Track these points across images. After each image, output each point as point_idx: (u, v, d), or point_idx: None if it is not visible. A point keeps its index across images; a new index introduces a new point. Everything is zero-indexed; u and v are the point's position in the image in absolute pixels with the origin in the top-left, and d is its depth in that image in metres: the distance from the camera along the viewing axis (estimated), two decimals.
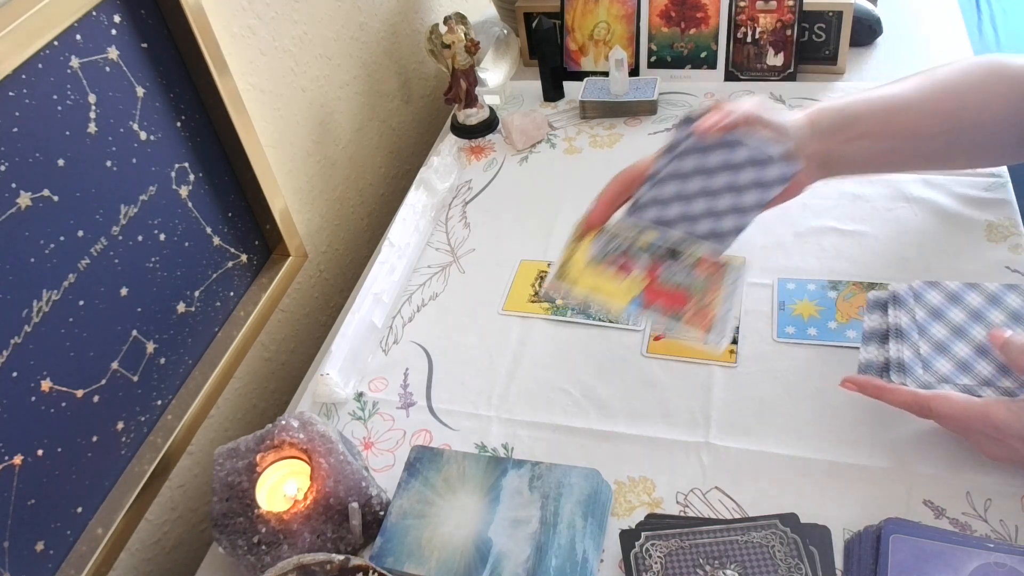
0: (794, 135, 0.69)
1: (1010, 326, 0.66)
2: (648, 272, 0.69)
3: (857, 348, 0.75)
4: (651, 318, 0.68)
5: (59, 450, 0.67)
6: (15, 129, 0.61)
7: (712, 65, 1.12)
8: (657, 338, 0.81)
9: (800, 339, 0.78)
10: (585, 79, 1.14)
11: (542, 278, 0.90)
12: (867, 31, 1.12)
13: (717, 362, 0.78)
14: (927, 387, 0.65)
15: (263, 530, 0.67)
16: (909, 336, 0.67)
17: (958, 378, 0.65)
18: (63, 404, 0.67)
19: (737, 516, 0.66)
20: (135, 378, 0.75)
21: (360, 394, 0.83)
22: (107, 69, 0.69)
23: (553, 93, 1.16)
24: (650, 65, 1.15)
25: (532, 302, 0.88)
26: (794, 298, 0.82)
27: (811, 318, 0.80)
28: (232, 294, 0.88)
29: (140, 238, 0.74)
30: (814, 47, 1.09)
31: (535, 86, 1.17)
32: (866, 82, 1.08)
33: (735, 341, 0.79)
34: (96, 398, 0.71)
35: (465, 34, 1.05)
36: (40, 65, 0.62)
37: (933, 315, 0.67)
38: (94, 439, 0.71)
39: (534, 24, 1.11)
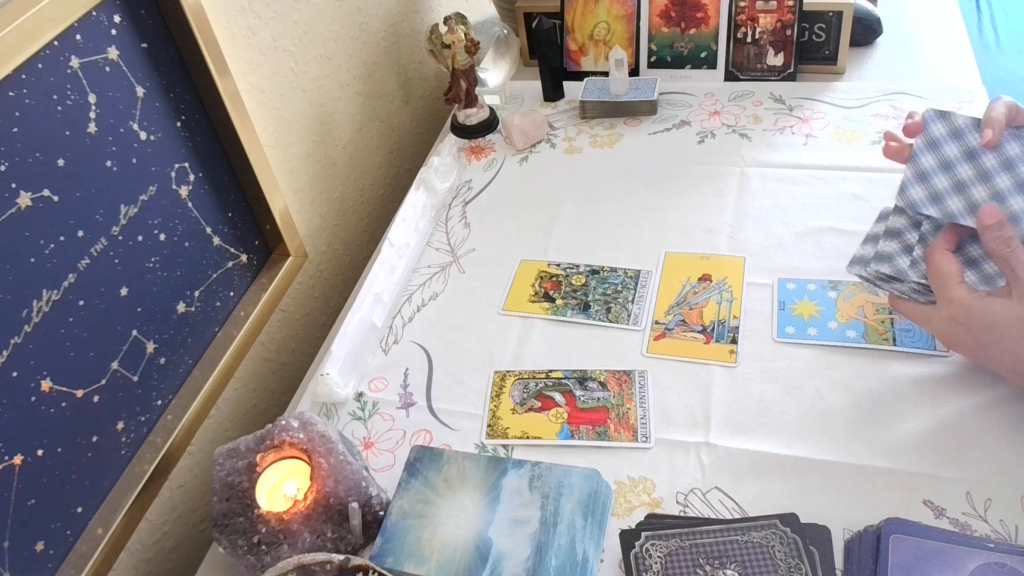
0: None
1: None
2: (567, 402, 0.77)
3: (858, 348, 0.76)
4: (581, 440, 0.74)
5: (59, 450, 0.67)
6: (15, 129, 0.61)
7: (712, 65, 1.13)
8: (658, 338, 0.82)
9: (800, 339, 0.78)
10: (585, 79, 1.14)
11: (543, 277, 0.90)
12: (867, 31, 1.12)
13: (717, 362, 0.78)
14: (904, 270, 0.67)
15: (263, 530, 0.67)
16: (902, 234, 0.69)
17: (927, 207, 0.66)
18: (63, 404, 0.67)
19: (737, 516, 0.66)
20: (135, 378, 0.75)
21: (360, 394, 0.83)
22: (107, 69, 0.69)
23: (553, 93, 1.16)
24: (650, 65, 1.15)
25: (532, 302, 0.88)
26: (794, 298, 0.82)
27: (811, 318, 0.80)
28: (232, 294, 0.88)
29: (140, 238, 0.74)
30: (814, 47, 1.09)
31: (535, 86, 1.17)
32: (866, 82, 1.08)
33: (735, 341, 0.79)
34: (96, 398, 0.71)
35: (465, 34, 1.05)
36: (40, 65, 0.62)
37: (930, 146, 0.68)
38: (94, 439, 0.71)
39: (534, 24, 1.11)
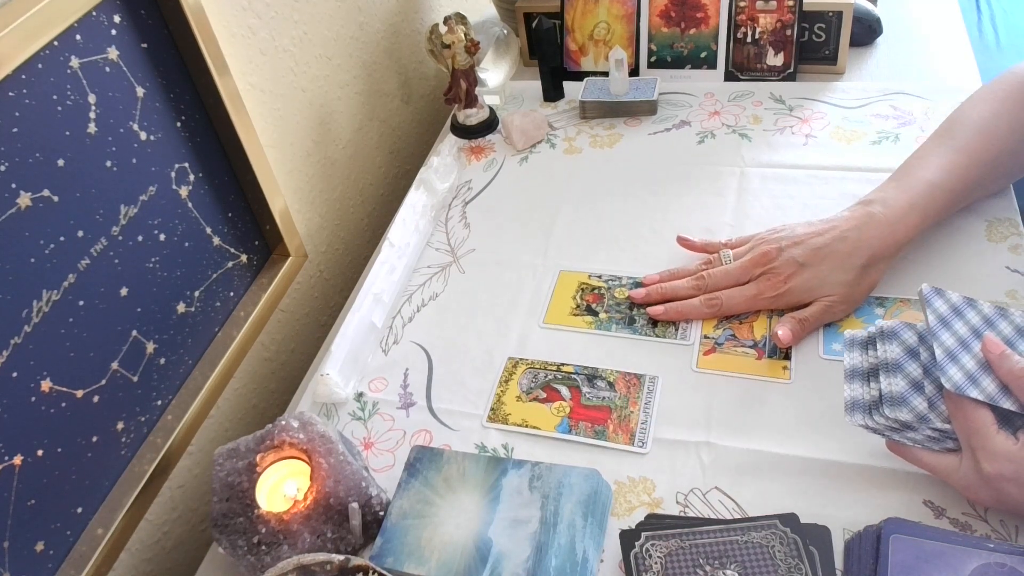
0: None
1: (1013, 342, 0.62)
2: (572, 396, 0.78)
3: None
4: (578, 436, 0.74)
5: (59, 450, 0.67)
6: (15, 129, 0.61)
7: (712, 65, 1.13)
8: (707, 352, 0.80)
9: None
10: (585, 79, 1.14)
11: (584, 290, 0.88)
12: (867, 31, 1.12)
13: (771, 379, 0.75)
14: (924, 414, 0.61)
15: (263, 530, 0.67)
16: (903, 367, 0.62)
17: (969, 389, 0.59)
18: (63, 404, 0.67)
19: (737, 516, 0.66)
20: (135, 378, 0.75)
21: (360, 394, 0.83)
22: (107, 69, 0.69)
23: (553, 93, 1.16)
24: (650, 65, 1.15)
25: (574, 315, 0.85)
26: None
27: None
28: (232, 294, 0.88)
29: (140, 238, 0.74)
30: (814, 47, 1.09)
31: (535, 86, 1.17)
32: (866, 82, 1.08)
33: (788, 356, 0.77)
34: (96, 398, 0.71)
35: (465, 34, 1.05)
36: (40, 65, 0.62)
37: (942, 323, 0.63)
38: (94, 439, 0.71)
39: (534, 24, 1.11)
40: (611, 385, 0.78)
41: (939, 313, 0.63)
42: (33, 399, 0.65)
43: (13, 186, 0.61)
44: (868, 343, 0.65)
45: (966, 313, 0.63)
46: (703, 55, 1.12)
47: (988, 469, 0.58)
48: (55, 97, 0.64)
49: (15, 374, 0.63)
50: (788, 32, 1.07)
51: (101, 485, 0.72)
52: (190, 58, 0.77)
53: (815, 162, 0.97)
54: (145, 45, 0.73)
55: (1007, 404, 0.59)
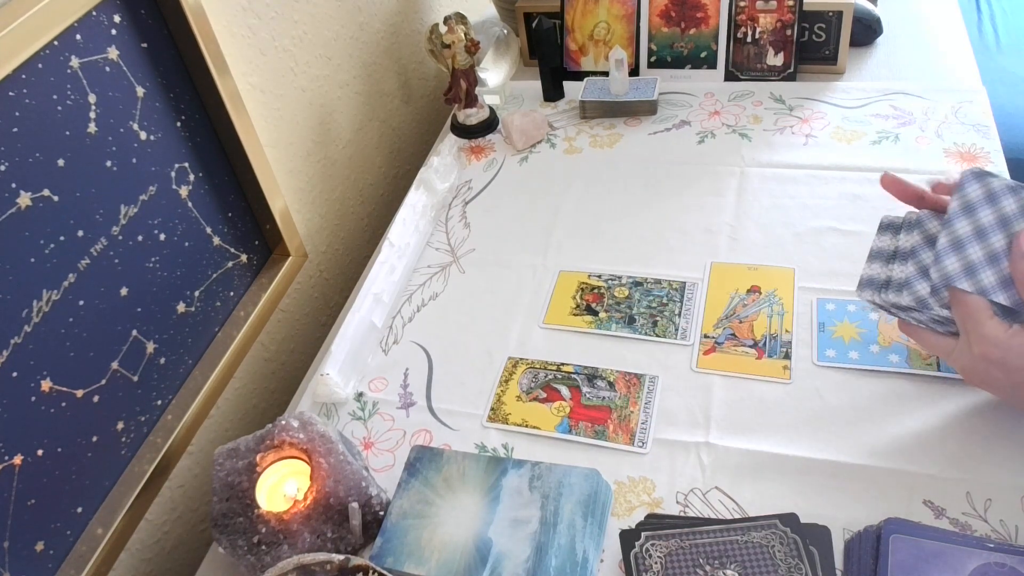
0: None
1: None
2: (572, 396, 0.77)
3: (901, 373, 0.74)
4: (579, 436, 0.75)
5: (59, 450, 0.67)
6: (15, 129, 0.61)
7: (712, 65, 1.13)
8: (707, 352, 0.81)
9: (841, 363, 0.75)
10: (585, 79, 1.14)
11: (584, 289, 0.88)
12: (867, 31, 1.12)
13: (771, 378, 0.76)
14: (925, 299, 0.62)
15: (263, 530, 0.67)
16: (917, 255, 0.63)
17: (959, 281, 0.60)
18: (63, 404, 0.67)
19: (737, 516, 0.66)
20: (135, 378, 0.75)
21: (360, 394, 0.83)
22: (107, 69, 0.69)
23: (553, 93, 1.16)
24: (650, 65, 1.15)
25: (574, 315, 0.85)
26: (834, 319, 0.79)
27: (852, 341, 0.77)
28: (232, 294, 0.88)
29: (140, 238, 0.74)
30: (814, 47, 1.09)
31: (535, 86, 1.17)
32: (866, 82, 1.08)
33: (788, 356, 0.77)
34: (96, 398, 0.71)
35: (465, 34, 1.05)
36: (40, 65, 0.62)
37: (965, 211, 0.62)
38: (94, 439, 0.71)
39: (534, 24, 1.11)
40: (611, 385, 0.78)
41: (967, 200, 0.62)
42: (33, 399, 0.65)
43: (13, 186, 0.61)
44: (899, 229, 0.66)
45: (1001, 201, 0.61)
46: (703, 55, 1.12)
47: (976, 350, 0.61)
48: (55, 97, 0.64)
49: (15, 374, 0.63)
50: (788, 32, 1.07)
51: (101, 485, 0.72)
52: (190, 58, 0.77)
53: (815, 162, 0.97)
54: (145, 45, 0.73)
55: (1000, 299, 0.60)
